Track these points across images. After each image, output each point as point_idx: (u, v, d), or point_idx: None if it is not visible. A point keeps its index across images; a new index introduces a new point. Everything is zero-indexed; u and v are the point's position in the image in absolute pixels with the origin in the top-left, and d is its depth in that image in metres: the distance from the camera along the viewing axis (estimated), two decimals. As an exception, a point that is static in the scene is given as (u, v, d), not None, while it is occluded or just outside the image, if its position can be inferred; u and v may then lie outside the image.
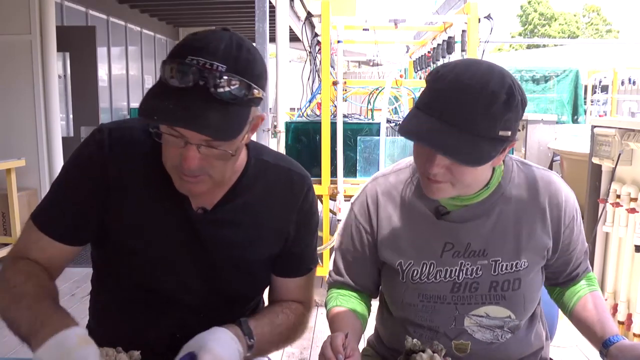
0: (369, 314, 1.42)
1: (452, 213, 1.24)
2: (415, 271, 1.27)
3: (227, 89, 0.98)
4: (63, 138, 5.59)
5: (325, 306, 1.41)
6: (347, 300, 1.37)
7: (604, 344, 1.21)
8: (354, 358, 1.10)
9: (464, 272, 1.25)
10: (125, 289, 1.24)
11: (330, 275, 1.44)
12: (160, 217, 1.18)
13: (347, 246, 1.38)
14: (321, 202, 3.87)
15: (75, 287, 4.22)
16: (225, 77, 0.98)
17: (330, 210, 4.10)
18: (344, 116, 3.87)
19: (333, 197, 3.80)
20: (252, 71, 1.03)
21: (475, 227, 1.24)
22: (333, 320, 1.34)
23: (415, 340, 1.05)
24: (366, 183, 1.38)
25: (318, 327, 3.44)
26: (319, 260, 4.00)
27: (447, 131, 1.07)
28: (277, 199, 1.23)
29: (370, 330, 1.49)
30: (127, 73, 8.30)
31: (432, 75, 1.13)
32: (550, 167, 6.14)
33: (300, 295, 1.30)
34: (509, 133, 1.09)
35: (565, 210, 1.28)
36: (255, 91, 1.03)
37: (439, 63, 4.24)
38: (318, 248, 3.58)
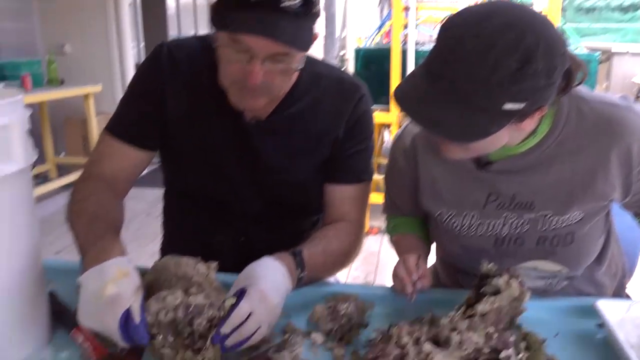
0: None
1: (495, 164, 1.11)
2: (456, 223, 1.19)
3: (295, 1, 1.01)
4: (135, 65, 5.73)
5: (387, 233, 1.41)
6: (407, 226, 1.35)
7: None
8: (426, 279, 1.10)
9: (509, 225, 1.15)
10: (189, 201, 1.33)
11: (384, 205, 1.41)
12: (215, 128, 1.23)
13: (391, 184, 1.33)
14: (389, 131, 3.81)
15: (149, 207, 4.46)
16: None
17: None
18: (416, 43, 3.73)
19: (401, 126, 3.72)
20: None
21: (521, 179, 1.11)
22: (398, 246, 1.33)
23: (491, 264, 1.03)
24: (407, 121, 1.29)
25: (383, 253, 3.49)
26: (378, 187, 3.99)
27: (437, 100, 0.93)
28: (328, 105, 1.25)
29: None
30: (194, 1, 8.29)
31: (443, 24, 0.96)
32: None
33: (351, 209, 1.27)
34: (522, 105, 0.91)
35: (638, 149, 1.06)
36: (317, 6, 1.07)
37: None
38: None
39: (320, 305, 1.05)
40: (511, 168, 1.11)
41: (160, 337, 0.87)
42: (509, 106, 0.91)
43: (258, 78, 1.05)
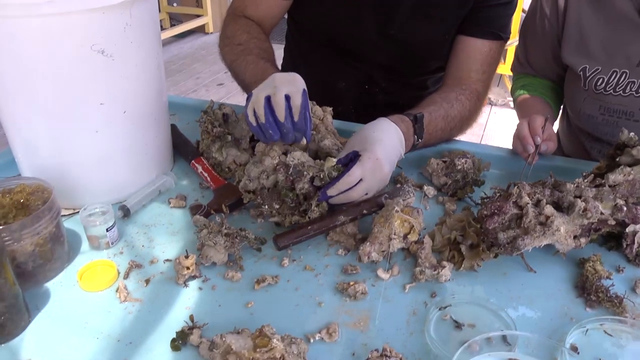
0: (559, 104, 1.29)
1: None
2: (601, 79, 1.09)
3: None
4: None
5: (512, 94, 1.32)
6: (535, 88, 1.25)
7: None
8: (551, 142, 1.03)
9: None
10: (316, 44, 1.31)
11: (513, 62, 1.31)
12: None
13: (530, 35, 1.22)
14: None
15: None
16: None
17: (523, 10, 3.69)
18: None
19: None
20: None
21: None
22: (522, 107, 1.24)
23: (632, 134, 0.93)
24: None
25: (489, 126, 3.36)
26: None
27: None
28: None
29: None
30: None
31: None
32: None
33: (479, 68, 1.17)
34: None
35: None
36: None
37: None
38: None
39: (436, 159, 1.02)
40: None
41: (266, 206, 0.87)
42: None
43: None
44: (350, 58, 1.27)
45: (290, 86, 0.86)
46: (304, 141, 0.89)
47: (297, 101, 0.85)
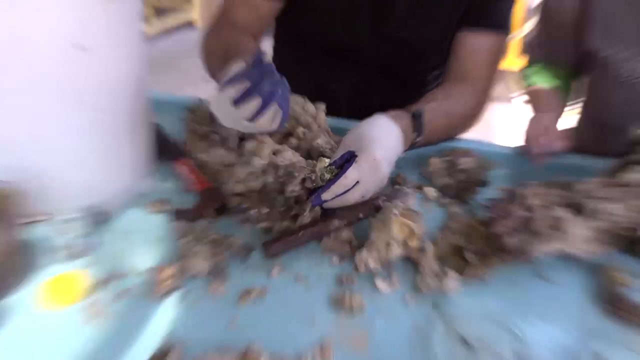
0: (568, 95, 1.26)
1: None
2: (625, 67, 1.05)
3: None
4: None
5: (523, 81, 1.29)
6: (549, 75, 1.22)
7: None
8: (561, 141, 0.99)
9: None
10: (308, 46, 1.25)
11: (525, 47, 1.27)
12: None
13: (547, 17, 1.18)
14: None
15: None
16: None
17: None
18: None
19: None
20: None
21: None
22: (535, 98, 1.21)
23: (640, 131, 0.88)
24: None
25: (492, 123, 3.33)
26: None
27: None
28: None
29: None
30: None
31: None
32: None
33: (481, 64, 1.12)
34: None
35: None
36: None
37: None
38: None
39: (437, 158, 0.95)
40: None
41: (255, 211, 0.82)
42: None
43: None
44: (344, 59, 1.21)
45: None
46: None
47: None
